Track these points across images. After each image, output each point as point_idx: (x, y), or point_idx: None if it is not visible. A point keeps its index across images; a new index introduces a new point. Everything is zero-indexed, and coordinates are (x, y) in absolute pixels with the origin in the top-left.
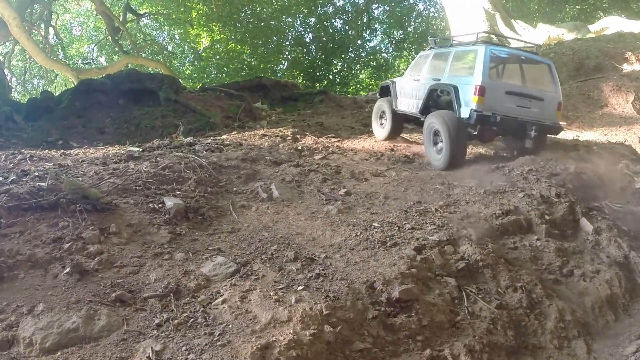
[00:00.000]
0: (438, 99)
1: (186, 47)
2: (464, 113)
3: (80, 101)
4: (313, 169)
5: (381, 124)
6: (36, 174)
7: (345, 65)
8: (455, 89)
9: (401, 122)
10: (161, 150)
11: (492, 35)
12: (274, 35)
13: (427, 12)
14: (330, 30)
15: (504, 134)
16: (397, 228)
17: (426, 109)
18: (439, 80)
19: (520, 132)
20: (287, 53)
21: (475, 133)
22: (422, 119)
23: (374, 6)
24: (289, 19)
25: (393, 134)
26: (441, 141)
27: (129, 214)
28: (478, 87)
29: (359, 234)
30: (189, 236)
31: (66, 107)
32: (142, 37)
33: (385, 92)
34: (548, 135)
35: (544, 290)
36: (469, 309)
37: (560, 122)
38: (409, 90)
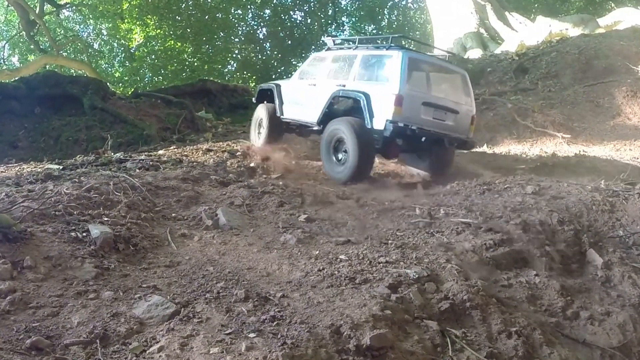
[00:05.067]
0: (342, 106)
1: (116, 44)
2: (378, 124)
3: None
4: (268, 191)
5: (259, 133)
6: None
7: None
8: (367, 96)
9: (281, 131)
10: (86, 168)
11: (404, 40)
12: (221, 30)
13: (404, 3)
14: (289, 24)
15: (412, 149)
16: (368, 261)
17: (326, 117)
18: (344, 86)
19: (431, 147)
20: (236, 52)
21: (379, 147)
22: (317, 127)
23: None
24: (239, 11)
25: (270, 144)
26: (345, 151)
27: (47, 244)
28: (396, 96)
29: (322, 268)
30: (118, 271)
31: None
32: (62, 32)
33: (265, 97)
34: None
35: (543, 335)
36: (454, 358)
37: (473, 137)
38: (302, 96)
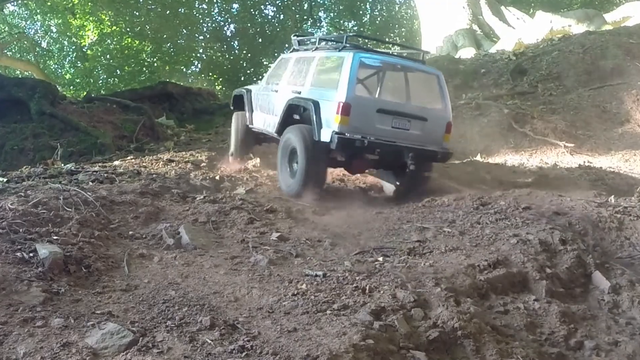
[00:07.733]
0: (302, 115)
1: (66, 43)
2: (325, 136)
3: None
4: (236, 206)
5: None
6: None
7: None
8: (316, 105)
9: (251, 143)
10: (33, 180)
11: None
12: (184, 27)
13: None
14: (259, 20)
15: (377, 164)
16: (348, 285)
17: (283, 127)
18: (300, 92)
19: (396, 161)
20: (201, 51)
21: (342, 160)
22: (279, 138)
23: None
24: (204, 6)
25: (240, 157)
26: (297, 162)
27: None
28: (342, 104)
29: (296, 292)
30: (69, 296)
31: None
32: (7, 29)
33: (239, 103)
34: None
35: None
36: None
37: (449, 147)
38: (267, 102)
